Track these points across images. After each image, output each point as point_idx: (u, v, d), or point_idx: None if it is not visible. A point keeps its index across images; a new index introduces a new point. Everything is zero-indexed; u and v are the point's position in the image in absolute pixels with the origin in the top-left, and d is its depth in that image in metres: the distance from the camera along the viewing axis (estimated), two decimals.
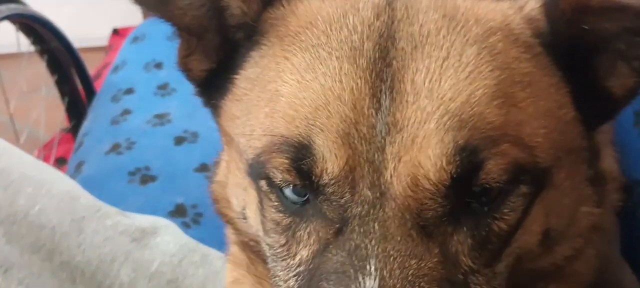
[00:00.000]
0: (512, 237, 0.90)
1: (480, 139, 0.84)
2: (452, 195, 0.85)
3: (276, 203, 0.92)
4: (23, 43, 2.39)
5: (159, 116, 2.05)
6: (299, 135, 0.86)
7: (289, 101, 0.88)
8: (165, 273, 1.30)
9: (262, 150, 0.90)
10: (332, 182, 0.86)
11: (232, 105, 0.99)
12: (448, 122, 0.84)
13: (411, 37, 0.88)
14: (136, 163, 1.88)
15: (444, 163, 0.83)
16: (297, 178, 0.87)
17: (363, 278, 0.82)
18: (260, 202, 0.95)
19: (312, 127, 0.86)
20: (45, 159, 2.58)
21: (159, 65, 2.28)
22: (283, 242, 0.92)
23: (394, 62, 0.87)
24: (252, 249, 1.09)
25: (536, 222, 0.93)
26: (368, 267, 0.83)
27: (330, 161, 0.85)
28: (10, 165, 1.35)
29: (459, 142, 0.83)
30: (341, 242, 0.85)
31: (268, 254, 0.96)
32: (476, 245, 0.87)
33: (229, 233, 1.20)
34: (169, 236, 1.36)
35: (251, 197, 0.99)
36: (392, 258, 0.83)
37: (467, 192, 0.86)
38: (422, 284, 0.83)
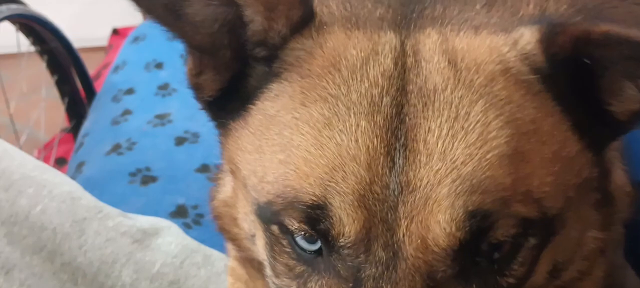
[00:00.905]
0: (521, 287, 0.90)
1: (491, 202, 0.83)
2: (461, 258, 0.84)
3: (289, 250, 0.91)
4: (23, 43, 2.38)
5: (160, 116, 2.04)
6: (314, 194, 0.85)
7: (305, 156, 0.86)
8: (167, 274, 1.30)
9: (275, 198, 0.88)
10: (349, 244, 0.85)
11: (244, 134, 0.95)
12: (459, 187, 0.83)
13: (421, 92, 0.87)
14: (137, 164, 1.87)
15: (454, 229, 0.83)
16: (313, 232, 0.87)
17: None
18: (270, 244, 0.93)
19: (327, 187, 0.84)
20: (46, 159, 2.58)
21: (159, 66, 2.27)
22: (294, 286, 0.91)
23: (407, 119, 0.85)
24: (252, 265, 1.08)
25: (544, 263, 0.92)
26: None
27: (348, 225, 0.84)
28: (11, 166, 1.35)
29: (470, 208, 0.82)
30: None
31: None
32: None
33: (229, 248, 1.19)
34: (171, 237, 1.35)
35: (260, 232, 0.97)
36: None
37: (477, 251, 0.85)
38: None
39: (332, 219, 0.84)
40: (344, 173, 0.84)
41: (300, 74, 0.91)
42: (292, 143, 0.88)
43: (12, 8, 2.14)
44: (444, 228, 0.83)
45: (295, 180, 0.86)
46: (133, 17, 3.23)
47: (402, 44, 0.90)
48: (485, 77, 0.87)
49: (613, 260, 1.18)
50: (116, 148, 1.95)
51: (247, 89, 0.96)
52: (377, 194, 0.84)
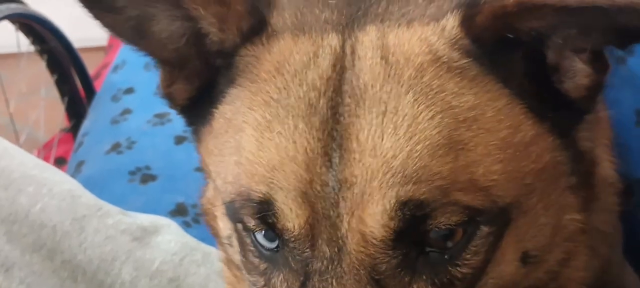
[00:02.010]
0: (480, 276, 0.90)
1: (427, 191, 0.84)
2: (402, 246, 0.86)
3: (252, 249, 0.94)
4: (23, 43, 2.38)
5: (159, 116, 2.04)
6: (260, 191, 0.88)
7: (250, 158, 0.90)
8: (166, 271, 1.30)
9: (235, 197, 0.92)
10: (293, 238, 0.88)
11: (210, 138, 1.00)
12: (390, 180, 0.84)
13: (353, 91, 0.88)
14: (136, 163, 1.87)
15: (386, 220, 0.84)
16: (268, 227, 0.90)
17: None
18: (240, 242, 0.97)
19: (270, 185, 0.88)
20: (45, 159, 2.57)
21: None
22: (262, 283, 0.94)
23: (342, 119, 0.87)
24: (237, 268, 1.10)
25: (508, 252, 0.91)
26: None
27: (290, 219, 0.87)
28: (11, 165, 1.35)
29: (402, 199, 0.84)
30: None
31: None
32: None
33: (220, 251, 1.20)
34: (171, 235, 1.36)
35: (234, 232, 1.00)
36: None
37: (422, 240, 0.86)
38: None
39: (277, 214, 0.88)
40: (284, 172, 0.87)
41: (250, 78, 0.94)
42: (241, 145, 0.91)
43: (12, 7, 2.14)
44: (377, 220, 0.84)
45: (245, 179, 0.90)
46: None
47: (343, 44, 0.92)
48: (415, 69, 0.88)
49: (611, 257, 1.19)
50: (116, 147, 1.95)
51: (214, 95, 0.99)
52: (318, 192, 0.86)
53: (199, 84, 1.01)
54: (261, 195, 0.88)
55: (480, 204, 0.86)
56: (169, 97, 1.03)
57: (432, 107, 0.86)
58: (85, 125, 2.21)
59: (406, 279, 0.87)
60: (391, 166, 0.84)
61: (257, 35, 0.96)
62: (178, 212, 1.70)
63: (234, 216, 0.95)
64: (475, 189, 0.86)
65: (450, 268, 0.87)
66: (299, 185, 0.87)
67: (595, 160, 1.06)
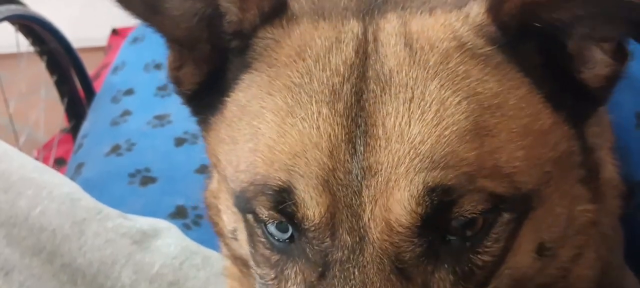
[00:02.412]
0: (499, 265, 0.89)
1: (454, 177, 0.83)
2: (427, 234, 0.85)
3: (263, 240, 0.93)
4: (22, 44, 2.38)
5: (159, 117, 2.04)
6: (279, 179, 0.87)
7: (269, 144, 0.88)
8: (166, 275, 1.30)
9: (248, 185, 0.90)
10: (313, 227, 0.86)
11: (221, 127, 0.98)
12: (418, 165, 0.83)
13: (378, 78, 0.88)
14: (136, 165, 1.87)
15: (414, 206, 0.84)
16: (282, 218, 0.88)
17: None
18: (249, 234, 0.96)
19: (291, 172, 0.86)
20: (45, 160, 2.58)
21: (158, 66, 2.27)
22: (273, 276, 0.93)
23: (367, 105, 0.87)
24: (243, 263, 1.09)
25: (526, 242, 0.92)
26: None
27: (311, 208, 0.86)
28: (10, 168, 1.35)
29: (430, 184, 0.83)
30: (324, 287, 0.86)
31: (259, 281, 0.96)
32: (459, 280, 0.87)
33: (222, 247, 1.19)
34: (170, 238, 1.35)
35: (242, 225, 0.98)
36: None
37: (445, 228, 0.86)
38: None
39: (297, 202, 0.86)
40: (306, 159, 0.86)
41: (268, 63, 0.94)
42: (259, 131, 0.90)
43: (12, 8, 2.14)
44: (405, 206, 0.84)
45: (263, 167, 0.88)
46: (132, 18, 3.24)
47: (365, 30, 0.92)
48: (440, 55, 0.88)
49: (611, 260, 1.18)
50: (115, 149, 1.95)
51: (224, 83, 0.98)
52: (341, 180, 0.85)
53: (208, 70, 1.00)
54: (281, 183, 0.86)
55: (504, 191, 0.86)
56: (177, 80, 1.02)
57: (459, 93, 0.86)
58: (85, 126, 2.21)
59: (429, 268, 0.86)
60: (419, 151, 0.84)
61: (277, 18, 0.95)
62: (178, 214, 1.70)
63: (245, 206, 0.92)
64: (499, 176, 0.86)
65: (471, 255, 0.87)
66: (321, 173, 0.85)
67: (599, 162, 1.06)
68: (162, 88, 2.17)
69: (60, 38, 2.37)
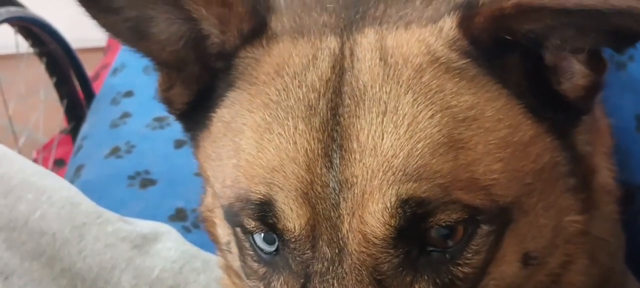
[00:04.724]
0: (482, 276, 0.90)
1: (428, 189, 0.84)
2: (403, 245, 0.86)
3: (251, 253, 0.94)
4: (22, 45, 2.38)
5: (159, 119, 2.04)
6: (260, 192, 0.88)
7: (249, 160, 0.90)
8: (166, 279, 1.30)
9: (234, 200, 0.92)
10: (294, 239, 0.88)
11: (207, 143, 0.99)
12: (391, 177, 0.84)
13: (353, 92, 0.88)
14: (136, 167, 1.87)
15: (388, 218, 0.84)
16: (267, 228, 0.90)
17: None
18: (239, 247, 0.97)
19: (271, 186, 0.88)
20: (44, 161, 2.58)
21: None
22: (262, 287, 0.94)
23: (342, 120, 0.88)
24: (237, 275, 1.09)
25: (509, 252, 0.91)
26: None
27: (291, 220, 0.87)
28: (10, 172, 1.35)
29: (403, 196, 0.84)
30: None
31: None
32: None
33: (219, 258, 1.20)
34: (170, 242, 1.35)
35: (233, 238, 1.00)
36: None
37: (423, 239, 0.86)
38: None
39: (278, 214, 0.88)
40: (284, 173, 0.87)
41: (249, 81, 0.95)
42: (240, 147, 0.91)
43: (11, 11, 2.14)
44: (379, 218, 0.84)
45: (244, 182, 0.90)
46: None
47: (342, 46, 0.93)
48: (414, 69, 0.88)
49: (612, 266, 1.18)
50: (115, 151, 1.95)
51: (212, 100, 0.99)
52: (319, 193, 0.87)
53: (197, 89, 1.01)
54: (261, 196, 0.88)
55: (481, 203, 0.86)
56: (167, 101, 1.03)
57: (432, 107, 0.86)
58: (85, 128, 2.21)
59: (408, 279, 0.86)
60: (392, 165, 0.84)
61: (257, 38, 0.96)
62: (178, 217, 1.70)
63: (233, 220, 0.94)
64: (476, 188, 0.86)
65: (451, 267, 0.87)
66: (300, 186, 0.87)
67: (593, 168, 1.06)
68: None
69: (60, 39, 2.37)
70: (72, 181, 1.81)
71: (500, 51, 0.89)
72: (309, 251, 0.88)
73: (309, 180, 0.87)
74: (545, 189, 0.93)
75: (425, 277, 0.87)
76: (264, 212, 0.88)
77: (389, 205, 0.84)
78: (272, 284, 0.92)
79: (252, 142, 0.90)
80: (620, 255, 1.24)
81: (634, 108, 1.59)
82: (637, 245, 1.31)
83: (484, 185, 0.86)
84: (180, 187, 1.78)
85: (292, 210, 0.87)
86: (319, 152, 0.87)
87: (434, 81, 0.88)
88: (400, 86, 0.87)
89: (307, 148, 0.87)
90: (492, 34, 0.88)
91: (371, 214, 0.85)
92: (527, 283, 0.96)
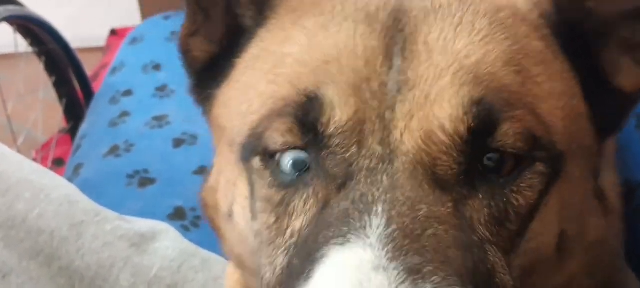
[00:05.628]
0: (529, 222, 0.86)
1: (496, 98, 0.82)
2: (467, 153, 0.82)
3: (270, 179, 0.87)
4: (21, 44, 2.38)
5: (158, 118, 2.04)
6: (306, 89, 0.84)
7: (297, 59, 0.87)
8: (164, 278, 1.29)
9: (261, 119, 0.88)
10: (339, 131, 0.82)
11: (228, 89, 0.97)
12: (463, 77, 0.82)
13: (424, 8, 0.88)
14: (135, 166, 1.87)
15: (461, 114, 0.81)
16: (300, 137, 0.84)
17: (369, 218, 0.77)
18: (251, 186, 0.91)
19: (321, 80, 0.84)
20: (43, 161, 2.58)
21: (157, 67, 2.27)
22: (272, 220, 0.88)
23: (406, 28, 0.87)
24: (239, 262, 1.07)
25: (553, 217, 0.89)
26: (375, 208, 0.77)
27: (338, 108, 0.82)
28: (8, 170, 1.34)
29: (475, 96, 0.82)
30: (344, 194, 0.81)
31: (255, 247, 0.92)
32: (493, 217, 0.83)
33: (228, 275, 1.19)
34: (169, 241, 1.35)
35: (240, 189, 0.95)
36: (400, 202, 0.78)
37: (483, 156, 0.83)
38: (434, 224, 0.78)
39: (324, 106, 0.83)
40: (339, 64, 0.84)
41: (291, 6, 0.94)
42: (283, 57, 0.89)
43: (10, 9, 2.14)
44: (451, 114, 0.81)
45: (285, 88, 0.86)
46: (131, 18, 3.25)
47: None
48: (493, 6, 0.89)
49: (617, 264, 1.18)
50: (114, 150, 1.95)
51: (235, 52, 0.98)
52: (375, 90, 0.83)
53: (220, 45, 1.00)
54: (306, 93, 0.84)
55: (541, 134, 0.84)
56: (187, 48, 1.02)
57: (505, 32, 0.87)
58: (84, 127, 2.20)
59: (464, 192, 0.82)
60: (463, 64, 0.83)
61: None
62: (176, 215, 1.69)
63: (255, 145, 0.88)
64: (538, 118, 0.85)
65: (506, 191, 0.84)
66: (355, 79, 0.83)
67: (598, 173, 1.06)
68: (160, 89, 2.17)
69: (59, 39, 2.37)
70: (71, 180, 1.80)
71: (570, 23, 0.91)
72: (354, 147, 0.82)
73: (365, 74, 0.83)
74: (584, 170, 0.93)
75: (480, 196, 0.83)
76: (306, 110, 0.83)
77: (463, 102, 0.81)
78: (291, 206, 0.86)
79: (303, 42, 0.88)
80: (620, 252, 1.24)
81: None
82: (636, 243, 1.31)
83: (545, 121, 0.85)
84: (179, 186, 1.78)
85: (340, 99, 0.82)
86: (380, 51, 0.85)
87: (510, 19, 0.89)
88: (478, 11, 0.88)
89: (367, 45, 0.85)
90: (574, 7, 0.90)
91: (442, 109, 0.81)
92: (553, 276, 0.94)
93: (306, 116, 0.83)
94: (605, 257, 1.09)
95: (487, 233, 0.83)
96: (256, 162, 0.89)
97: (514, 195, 0.84)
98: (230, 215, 1.00)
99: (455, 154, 0.81)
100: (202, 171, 1.80)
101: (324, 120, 0.83)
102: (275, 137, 0.85)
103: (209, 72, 1.01)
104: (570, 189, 0.91)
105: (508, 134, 0.82)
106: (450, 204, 0.81)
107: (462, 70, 0.82)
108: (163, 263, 1.30)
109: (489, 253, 0.83)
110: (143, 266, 1.29)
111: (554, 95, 0.88)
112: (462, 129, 0.81)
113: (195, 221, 1.68)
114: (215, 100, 1.00)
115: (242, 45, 0.97)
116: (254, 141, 0.88)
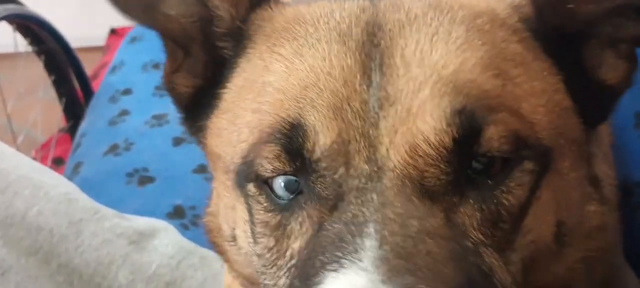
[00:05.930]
0: (523, 219, 0.87)
1: (477, 105, 0.82)
2: (454, 162, 0.82)
3: (265, 204, 0.89)
4: (20, 43, 2.38)
5: (157, 117, 2.04)
6: (288, 116, 0.85)
7: (277, 87, 0.87)
8: (163, 275, 1.29)
9: (250, 148, 0.88)
10: (325, 154, 0.83)
11: (218, 119, 0.98)
12: (442, 88, 0.82)
13: (398, 21, 0.88)
14: (134, 165, 1.87)
15: (444, 126, 0.81)
16: (288, 164, 0.85)
17: (361, 240, 0.78)
18: (249, 211, 0.93)
19: (301, 106, 0.84)
20: (43, 160, 2.58)
21: (157, 66, 2.27)
22: (272, 244, 0.89)
23: (382, 42, 0.86)
24: (244, 277, 1.07)
25: (547, 209, 0.89)
26: (366, 230, 0.78)
27: (321, 133, 0.83)
28: (7, 167, 1.35)
29: (456, 106, 0.82)
30: (337, 215, 0.82)
31: (258, 270, 0.93)
32: (486, 220, 0.84)
33: (227, 271, 1.18)
34: (167, 238, 1.35)
35: (239, 213, 0.96)
36: (391, 220, 0.79)
37: (470, 163, 0.83)
38: (426, 239, 0.78)
39: (307, 132, 0.83)
40: (318, 88, 0.85)
41: (264, 34, 0.95)
42: (263, 86, 0.90)
43: (9, 8, 2.14)
44: (434, 127, 0.81)
45: (269, 117, 0.87)
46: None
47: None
48: (470, 13, 0.90)
49: (613, 260, 1.18)
50: (113, 148, 1.95)
51: (219, 82, 0.99)
52: (356, 110, 0.83)
53: (203, 77, 1.01)
54: (290, 120, 0.84)
55: (525, 133, 0.85)
56: (171, 85, 1.03)
57: (483, 38, 0.87)
58: (83, 126, 2.20)
59: (454, 199, 0.83)
60: (441, 75, 0.83)
61: (264, 2, 0.98)
62: (176, 214, 1.69)
63: (247, 173, 0.89)
64: (521, 118, 0.85)
65: (496, 193, 0.84)
66: (334, 101, 0.83)
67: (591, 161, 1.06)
68: (160, 88, 2.17)
69: (59, 38, 2.37)
70: (70, 178, 1.81)
71: (552, 26, 0.91)
72: (342, 168, 0.83)
73: (345, 94, 0.84)
74: (575, 161, 0.93)
75: (471, 201, 0.83)
76: (290, 137, 0.84)
77: (445, 113, 0.81)
78: (288, 228, 0.87)
79: (280, 70, 0.88)
80: (618, 248, 1.24)
81: (632, 105, 1.60)
82: (635, 240, 1.31)
83: (528, 120, 0.86)
84: (178, 184, 1.78)
85: (322, 124, 0.83)
86: (357, 69, 0.85)
87: (487, 25, 0.89)
88: (454, 20, 0.88)
89: (343, 65, 0.85)
90: (556, 6, 0.90)
91: (425, 123, 0.81)
92: (554, 265, 0.94)
93: (291, 143, 0.84)
94: (605, 245, 1.09)
95: (481, 236, 0.84)
96: (251, 188, 0.90)
97: (505, 195, 0.85)
98: (233, 238, 1.01)
99: (442, 165, 0.82)
100: (202, 169, 1.81)
101: (309, 146, 0.84)
102: (265, 165, 0.86)
103: (197, 105, 1.02)
104: (561, 181, 0.91)
105: (493, 138, 0.82)
106: (441, 214, 0.82)
107: (440, 81, 0.83)
108: (162, 261, 1.31)
109: (484, 255, 0.83)
110: (142, 263, 1.29)
111: (536, 94, 0.88)
112: (447, 140, 0.82)
113: (194, 219, 1.68)
114: (207, 130, 1.01)
115: (226, 76, 0.98)
116: (246, 168, 0.89)
